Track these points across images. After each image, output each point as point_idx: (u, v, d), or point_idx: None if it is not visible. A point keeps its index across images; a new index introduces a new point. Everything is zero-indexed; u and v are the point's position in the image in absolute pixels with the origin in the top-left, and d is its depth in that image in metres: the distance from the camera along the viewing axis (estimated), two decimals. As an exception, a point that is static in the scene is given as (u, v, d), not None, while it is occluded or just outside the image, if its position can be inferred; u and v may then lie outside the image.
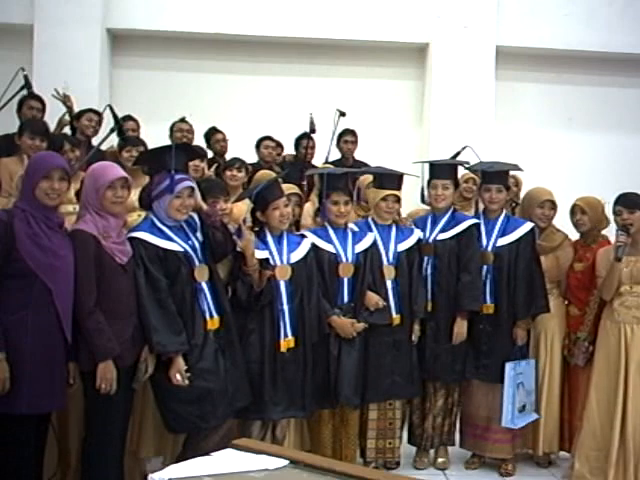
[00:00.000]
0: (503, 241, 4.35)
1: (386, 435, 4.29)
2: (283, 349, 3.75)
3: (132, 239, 3.39)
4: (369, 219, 4.34)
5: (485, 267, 4.34)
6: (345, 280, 4.05)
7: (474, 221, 4.39)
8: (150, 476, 2.12)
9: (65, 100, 5.69)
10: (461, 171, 4.92)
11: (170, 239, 3.45)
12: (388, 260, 4.22)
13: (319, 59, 7.41)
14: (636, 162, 7.22)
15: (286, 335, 3.77)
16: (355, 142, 6.34)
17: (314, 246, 4.02)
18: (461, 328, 4.30)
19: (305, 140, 6.04)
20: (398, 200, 4.24)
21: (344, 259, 4.07)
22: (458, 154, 5.25)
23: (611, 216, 4.28)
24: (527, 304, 4.32)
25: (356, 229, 4.22)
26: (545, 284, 4.37)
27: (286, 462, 2.27)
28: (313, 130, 5.85)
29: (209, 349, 3.48)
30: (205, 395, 3.45)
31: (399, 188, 4.28)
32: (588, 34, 7.32)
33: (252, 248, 3.69)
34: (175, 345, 3.36)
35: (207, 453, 2.34)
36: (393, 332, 4.18)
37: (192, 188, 3.47)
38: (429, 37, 7.32)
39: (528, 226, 4.37)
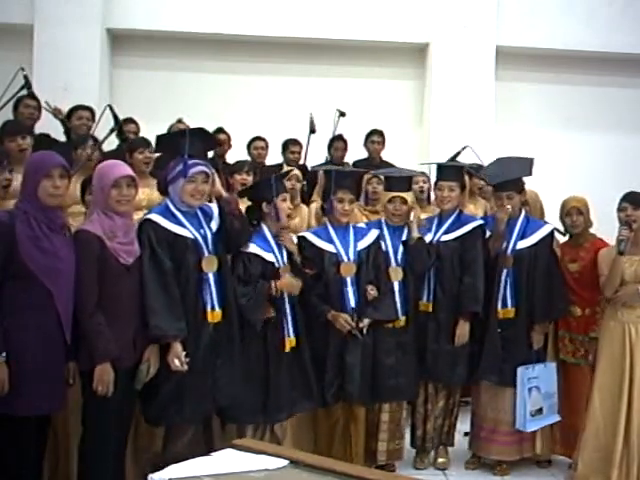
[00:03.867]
0: (522, 244, 4.31)
1: (394, 436, 4.29)
2: (287, 349, 3.76)
3: (144, 221, 3.40)
4: (382, 220, 4.33)
5: (505, 271, 4.30)
6: (348, 280, 4.03)
7: (479, 222, 4.37)
8: (150, 476, 2.13)
9: (56, 113, 5.59)
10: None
11: (181, 224, 3.45)
12: (397, 261, 4.20)
13: (319, 59, 7.41)
14: (635, 162, 7.22)
15: (289, 335, 3.78)
16: (382, 142, 6.32)
17: (314, 247, 4.01)
18: (463, 330, 4.28)
19: (336, 142, 6.05)
20: (405, 202, 4.23)
21: (345, 258, 4.04)
22: (458, 154, 5.25)
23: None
24: (546, 308, 4.29)
25: (363, 225, 4.21)
26: (565, 287, 4.36)
27: (286, 462, 2.28)
28: (313, 130, 5.86)
29: (204, 342, 3.46)
30: (189, 389, 3.41)
31: (408, 190, 4.28)
32: (588, 34, 7.33)
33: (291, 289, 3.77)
34: (174, 330, 3.33)
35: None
36: (398, 334, 4.16)
37: (206, 174, 3.47)
38: (429, 37, 7.33)
39: (548, 228, 4.35)
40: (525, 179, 5.07)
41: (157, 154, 4.67)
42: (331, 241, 4.07)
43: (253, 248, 3.75)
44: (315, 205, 4.87)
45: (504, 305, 4.31)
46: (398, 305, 4.15)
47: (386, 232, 4.26)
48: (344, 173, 4.19)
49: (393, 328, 4.14)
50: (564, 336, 4.49)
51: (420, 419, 4.48)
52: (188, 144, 3.43)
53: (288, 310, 3.79)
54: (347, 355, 3.98)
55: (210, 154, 5.85)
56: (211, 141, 3.81)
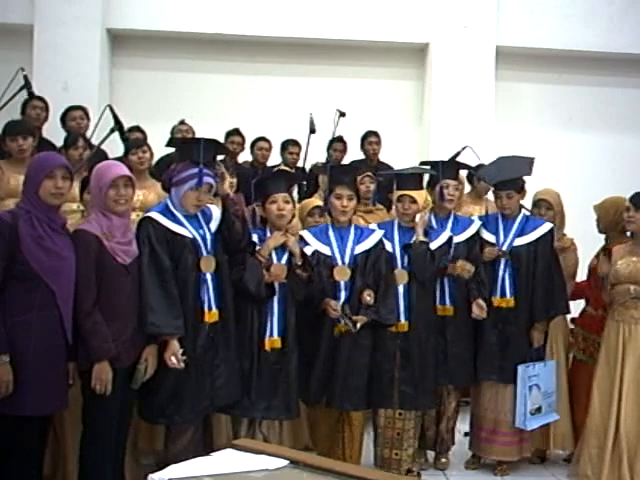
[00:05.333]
0: (520, 241, 4.31)
1: (393, 445, 4.13)
2: (267, 348, 3.67)
3: (143, 219, 3.41)
4: (395, 220, 4.23)
5: (503, 261, 4.28)
6: (342, 284, 3.91)
7: (479, 224, 4.37)
8: (150, 476, 2.13)
9: None
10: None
11: (181, 224, 3.46)
12: (402, 264, 4.11)
13: (319, 59, 7.40)
14: (635, 162, 7.23)
15: (272, 334, 3.69)
16: (379, 143, 6.31)
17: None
18: (480, 307, 4.18)
19: (335, 143, 6.04)
20: (415, 201, 4.09)
21: (339, 262, 3.94)
22: (458, 154, 5.25)
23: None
24: (545, 306, 4.29)
25: (374, 228, 4.14)
26: (566, 285, 4.37)
27: (286, 462, 2.28)
28: (313, 130, 5.85)
29: (201, 341, 3.46)
30: (187, 388, 3.41)
31: (418, 188, 4.15)
32: (588, 34, 7.32)
33: (275, 243, 3.69)
34: (171, 328, 3.32)
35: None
36: (399, 339, 4.04)
37: (212, 185, 3.50)
38: (429, 37, 7.32)
39: (547, 227, 4.34)
40: (525, 179, 5.08)
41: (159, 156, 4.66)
42: (328, 242, 3.97)
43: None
44: (304, 204, 4.81)
45: (502, 294, 4.29)
46: (401, 309, 4.04)
47: (396, 233, 4.16)
48: (341, 169, 4.13)
49: (395, 333, 4.03)
50: (579, 333, 4.56)
51: (432, 421, 4.45)
52: (203, 153, 3.43)
53: (275, 310, 3.70)
54: (339, 359, 3.89)
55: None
56: (222, 150, 3.83)
